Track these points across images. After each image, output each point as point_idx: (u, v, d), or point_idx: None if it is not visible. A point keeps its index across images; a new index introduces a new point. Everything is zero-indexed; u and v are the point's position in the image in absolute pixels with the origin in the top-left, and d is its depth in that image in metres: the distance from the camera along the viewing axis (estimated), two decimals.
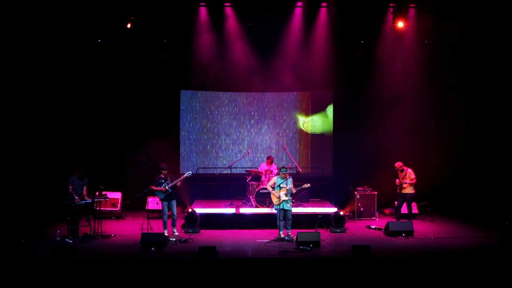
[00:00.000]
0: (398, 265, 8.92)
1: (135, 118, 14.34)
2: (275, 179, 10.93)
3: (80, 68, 13.77)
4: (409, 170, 11.98)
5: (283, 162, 14.73)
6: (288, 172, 10.90)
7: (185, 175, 11.05)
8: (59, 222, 11.54)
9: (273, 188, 10.81)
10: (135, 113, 14.36)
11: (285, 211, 10.73)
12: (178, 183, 10.94)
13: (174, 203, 11.03)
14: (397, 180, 12.11)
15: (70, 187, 10.89)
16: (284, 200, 10.66)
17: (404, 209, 12.61)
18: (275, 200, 10.78)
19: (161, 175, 10.97)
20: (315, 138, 15.15)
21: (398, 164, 12.13)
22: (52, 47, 13.09)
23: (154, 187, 10.93)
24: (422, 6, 13.57)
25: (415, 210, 13.01)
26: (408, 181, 11.91)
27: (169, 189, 10.89)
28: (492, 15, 12.74)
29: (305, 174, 13.75)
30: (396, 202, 12.44)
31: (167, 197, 10.95)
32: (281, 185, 10.69)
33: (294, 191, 10.77)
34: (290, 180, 10.81)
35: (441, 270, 8.76)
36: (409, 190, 12.00)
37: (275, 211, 10.89)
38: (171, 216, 11.03)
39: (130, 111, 14.35)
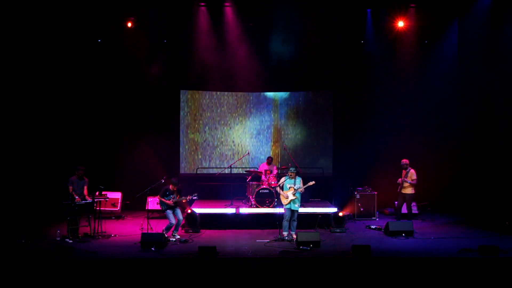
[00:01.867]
0: (398, 265, 8.90)
1: (136, 118, 14.33)
2: (283, 180, 10.86)
3: (79, 68, 13.76)
4: (412, 170, 11.93)
5: (284, 162, 14.74)
6: (294, 171, 10.81)
7: (192, 196, 11.01)
8: (59, 222, 11.53)
9: (282, 188, 10.76)
10: (136, 113, 14.35)
11: (292, 211, 10.70)
12: (183, 201, 10.94)
13: (178, 210, 10.94)
14: (399, 179, 12.08)
15: (70, 187, 10.89)
16: (292, 200, 10.63)
17: (404, 209, 12.62)
18: (283, 200, 10.71)
19: (169, 187, 10.85)
20: (315, 138, 15.14)
21: (405, 160, 12.04)
22: (53, 48, 13.09)
23: (160, 197, 10.84)
24: (422, 6, 13.59)
25: (415, 210, 13.03)
26: (409, 180, 11.89)
27: (174, 204, 10.85)
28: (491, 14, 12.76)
29: (305, 174, 13.71)
30: (396, 202, 12.43)
31: (171, 208, 10.91)
32: (288, 185, 10.65)
33: (303, 190, 10.71)
34: (298, 179, 10.71)
35: (441, 270, 8.75)
36: (409, 190, 11.97)
37: (283, 211, 10.78)
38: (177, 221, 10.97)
39: (130, 111, 14.33)
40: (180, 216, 10.94)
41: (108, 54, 13.91)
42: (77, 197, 10.79)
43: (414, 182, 11.87)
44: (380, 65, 14.20)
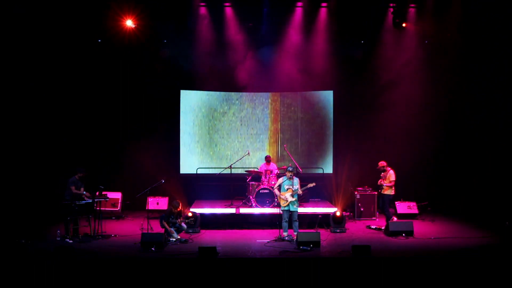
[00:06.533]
0: (398, 265, 8.91)
1: (136, 118, 14.33)
2: (280, 180, 10.82)
3: (80, 68, 13.76)
4: (391, 171, 11.83)
5: (284, 162, 14.74)
6: (293, 171, 10.79)
7: (188, 220, 11.10)
8: (59, 222, 11.52)
9: (279, 189, 10.72)
10: (136, 113, 14.35)
11: (291, 212, 10.67)
12: (183, 223, 10.96)
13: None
14: (379, 181, 12.02)
15: (73, 187, 10.86)
16: (291, 202, 10.61)
17: (403, 209, 12.65)
18: (282, 202, 10.68)
19: (173, 210, 10.87)
20: (316, 138, 15.15)
21: (381, 163, 11.98)
22: (53, 49, 13.09)
23: (164, 221, 10.79)
24: (422, 6, 13.59)
25: (415, 210, 13.07)
26: (387, 183, 11.82)
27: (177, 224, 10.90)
28: (491, 14, 12.75)
29: (305, 174, 13.74)
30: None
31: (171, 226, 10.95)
32: (286, 186, 10.64)
33: (301, 193, 10.69)
34: (296, 180, 10.68)
35: (441, 270, 8.76)
36: (388, 191, 11.84)
37: (280, 212, 10.74)
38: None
39: (131, 111, 14.32)
40: (184, 226, 10.96)
41: (108, 54, 13.90)
42: (85, 192, 10.86)
43: (392, 183, 11.79)
44: (380, 65, 14.19)
